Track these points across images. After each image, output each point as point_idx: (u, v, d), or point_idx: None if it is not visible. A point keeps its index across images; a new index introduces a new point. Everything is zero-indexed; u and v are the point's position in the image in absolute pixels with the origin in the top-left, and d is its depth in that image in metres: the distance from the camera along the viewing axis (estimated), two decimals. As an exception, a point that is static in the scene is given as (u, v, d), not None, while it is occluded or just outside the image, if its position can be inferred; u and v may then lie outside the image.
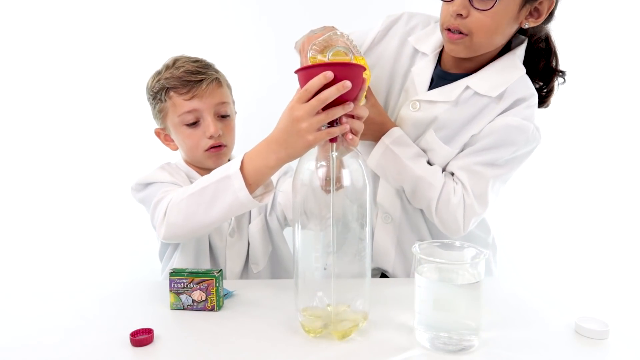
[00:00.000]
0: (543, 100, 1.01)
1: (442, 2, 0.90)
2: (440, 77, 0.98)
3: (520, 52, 0.96)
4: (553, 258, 1.70)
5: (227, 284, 0.90)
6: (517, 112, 0.92)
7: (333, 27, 0.89)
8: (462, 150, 0.96)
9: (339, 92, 0.65)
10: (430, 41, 1.01)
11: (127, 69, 1.68)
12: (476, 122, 0.94)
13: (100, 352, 0.67)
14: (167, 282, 0.81)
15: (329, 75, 0.64)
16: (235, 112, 1.12)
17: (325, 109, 0.68)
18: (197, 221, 0.82)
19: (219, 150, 1.04)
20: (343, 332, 0.69)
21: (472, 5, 0.84)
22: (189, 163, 1.09)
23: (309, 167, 0.70)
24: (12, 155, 1.74)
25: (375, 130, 0.96)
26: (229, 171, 0.78)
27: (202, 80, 1.01)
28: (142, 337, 0.68)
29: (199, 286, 0.79)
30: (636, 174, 1.80)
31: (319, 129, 0.69)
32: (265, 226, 1.08)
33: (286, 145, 0.72)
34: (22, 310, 0.82)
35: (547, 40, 0.99)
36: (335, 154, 0.70)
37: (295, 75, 0.70)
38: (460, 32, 0.87)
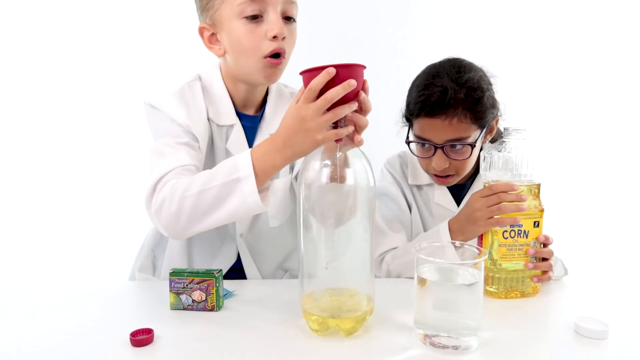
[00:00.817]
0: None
1: (419, 157, 1.06)
2: (451, 190, 1.12)
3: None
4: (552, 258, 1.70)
5: (227, 285, 0.90)
6: None
7: None
8: None
9: (345, 91, 0.66)
10: (421, 171, 1.12)
11: (127, 70, 1.68)
12: None
13: (100, 352, 0.67)
14: (167, 282, 0.81)
15: (331, 71, 0.65)
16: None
17: (329, 109, 0.68)
18: (189, 225, 0.79)
19: (278, 62, 0.88)
20: (349, 326, 0.69)
21: (451, 158, 1.00)
22: (228, 75, 0.95)
23: (314, 166, 0.71)
24: (15, 155, 1.74)
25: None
26: (238, 173, 0.75)
27: None
28: (142, 337, 0.68)
29: (199, 286, 0.79)
30: (635, 175, 1.81)
31: (327, 128, 0.69)
32: (291, 188, 1.03)
33: (292, 144, 0.72)
34: (23, 311, 0.82)
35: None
36: (340, 154, 0.70)
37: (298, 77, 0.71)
38: (447, 175, 1.04)
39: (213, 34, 0.91)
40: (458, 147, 0.99)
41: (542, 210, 0.87)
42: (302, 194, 0.70)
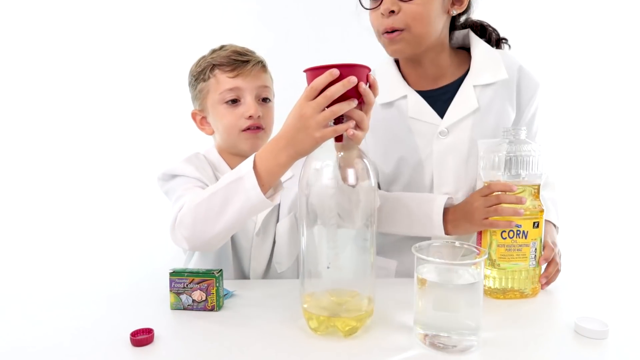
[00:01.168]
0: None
1: (369, 10, 0.94)
2: (431, 98, 0.99)
3: (473, 36, 1.03)
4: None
5: (227, 284, 0.90)
6: (530, 79, 1.00)
7: None
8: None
9: (345, 88, 0.66)
10: (393, 85, 1.02)
11: (126, 71, 1.68)
12: (509, 106, 0.99)
13: (100, 352, 0.67)
14: (167, 282, 0.81)
15: (335, 72, 0.65)
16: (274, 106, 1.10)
17: (330, 106, 0.68)
18: (206, 230, 0.80)
19: (256, 132, 1.03)
20: (349, 326, 0.69)
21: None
22: (222, 150, 1.08)
23: (315, 166, 0.71)
24: (16, 156, 1.74)
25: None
26: (240, 173, 0.77)
27: (248, 61, 1.02)
28: (142, 337, 0.68)
29: (199, 286, 0.79)
30: (635, 175, 1.81)
31: (326, 126, 0.69)
32: (294, 226, 1.06)
33: (294, 142, 0.72)
34: (23, 311, 0.82)
35: (482, 25, 1.07)
36: (341, 154, 0.70)
37: (301, 76, 0.71)
38: (397, 30, 0.90)
39: (203, 117, 1.08)
40: None
41: (542, 211, 0.87)
42: (304, 194, 0.70)
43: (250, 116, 1.00)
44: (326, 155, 0.71)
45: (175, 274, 0.80)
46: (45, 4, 1.68)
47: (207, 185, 0.96)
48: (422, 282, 0.67)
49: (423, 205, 0.98)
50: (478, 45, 1.01)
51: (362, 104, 0.70)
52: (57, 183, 1.75)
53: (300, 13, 1.69)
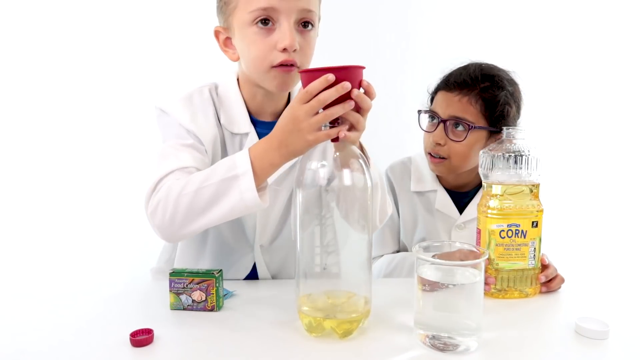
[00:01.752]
0: None
1: (424, 131, 1.11)
2: (456, 196, 1.14)
3: None
4: (553, 258, 1.70)
5: (227, 284, 0.90)
6: None
7: None
8: None
9: (338, 94, 0.66)
10: (425, 177, 1.16)
11: (125, 68, 1.68)
12: None
13: (100, 352, 0.67)
14: (167, 282, 0.81)
15: (330, 78, 0.65)
16: (317, 35, 0.90)
17: (326, 109, 0.68)
18: (184, 225, 0.77)
19: (289, 70, 0.83)
20: (344, 328, 0.69)
21: (448, 137, 1.04)
22: (247, 84, 0.93)
23: (310, 166, 0.70)
24: (15, 156, 1.74)
25: None
26: (235, 170, 0.74)
27: None
28: (142, 337, 0.68)
29: (199, 286, 0.79)
30: (635, 175, 1.81)
31: (320, 129, 0.69)
32: None
33: (287, 144, 0.72)
34: (23, 311, 0.82)
35: None
36: (337, 154, 0.70)
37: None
38: (440, 157, 1.07)
39: (228, 38, 0.90)
40: (459, 128, 1.03)
41: (541, 211, 0.86)
42: (299, 195, 0.70)
43: (284, 49, 0.81)
44: (322, 155, 0.71)
45: (175, 274, 0.80)
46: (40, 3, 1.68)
47: (201, 142, 0.88)
48: (423, 282, 0.67)
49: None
50: None
51: (358, 108, 0.70)
52: (57, 183, 1.75)
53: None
